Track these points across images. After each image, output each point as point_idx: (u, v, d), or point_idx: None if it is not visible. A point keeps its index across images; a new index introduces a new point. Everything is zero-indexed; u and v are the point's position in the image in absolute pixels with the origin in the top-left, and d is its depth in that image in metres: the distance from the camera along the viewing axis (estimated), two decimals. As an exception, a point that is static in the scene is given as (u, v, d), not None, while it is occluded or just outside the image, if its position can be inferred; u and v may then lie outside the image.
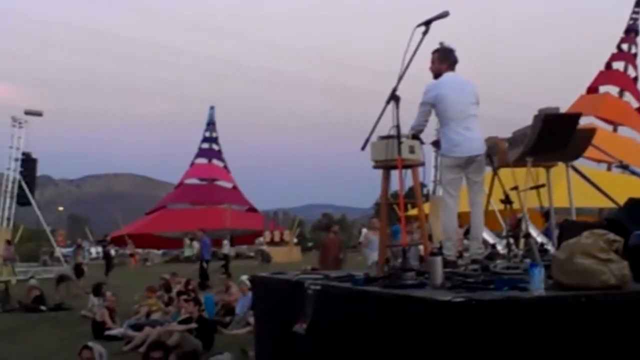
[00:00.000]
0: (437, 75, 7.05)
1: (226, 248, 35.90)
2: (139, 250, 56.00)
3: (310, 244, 67.51)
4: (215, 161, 64.15)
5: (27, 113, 39.88)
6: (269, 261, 34.18)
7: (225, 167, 64.16)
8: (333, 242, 18.28)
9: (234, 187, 63.50)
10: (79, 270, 24.70)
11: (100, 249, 45.33)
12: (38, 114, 40.50)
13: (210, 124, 63.62)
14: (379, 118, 6.19)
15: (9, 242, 33.31)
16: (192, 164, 63.73)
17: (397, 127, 6.13)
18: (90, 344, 8.26)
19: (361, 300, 5.19)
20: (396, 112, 6.12)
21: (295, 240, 47.25)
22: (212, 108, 64.30)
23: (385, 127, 6.23)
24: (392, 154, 6.12)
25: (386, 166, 6.40)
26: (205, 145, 63.72)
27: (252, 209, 62.42)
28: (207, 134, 63.77)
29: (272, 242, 44.75)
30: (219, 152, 64.16)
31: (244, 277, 17.60)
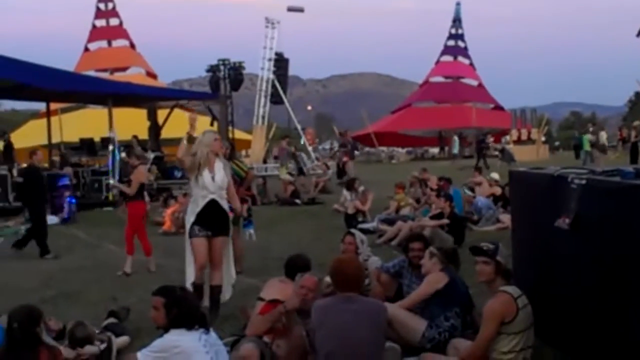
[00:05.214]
0: None
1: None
2: (384, 149, 56.90)
3: (557, 143, 65.65)
4: (460, 58, 63.49)
5: (290, 9, 41.07)
6: (513, 160, 33.39)
7: (471, 64, 63.36)
8: None
9: (480, 85, 62.70)
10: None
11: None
12: (300, 10, 41.57)
13: (456, 21, 62.86)
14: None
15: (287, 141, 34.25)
16: (438, 61, 63.43)
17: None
18: (353, 230, 8.53)
19: (632, 195, 4.94)
20: None
21: (542, 139, 45.89)
22: (458, 4, 63.23)
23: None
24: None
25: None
26: (451, 43, 63.16)
27: (498, 107, 61.42)
28: (453, 31, 63.15)
29: (518, 141, 43.77)
30: (465, 49, 63.41)
31: (494, 174, 17.53)
